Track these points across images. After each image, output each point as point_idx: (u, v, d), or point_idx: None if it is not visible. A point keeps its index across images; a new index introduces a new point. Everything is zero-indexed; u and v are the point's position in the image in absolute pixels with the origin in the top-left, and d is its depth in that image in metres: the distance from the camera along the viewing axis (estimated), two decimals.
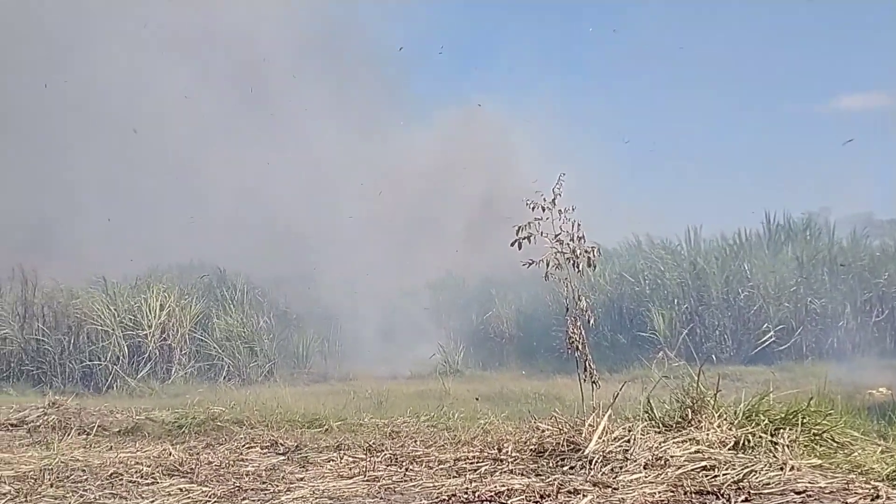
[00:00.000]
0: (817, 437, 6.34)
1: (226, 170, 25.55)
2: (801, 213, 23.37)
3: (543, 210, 7.31)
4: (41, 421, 9.99)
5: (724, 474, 5.57)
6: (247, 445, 7.88)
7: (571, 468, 6.01)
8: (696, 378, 6.69)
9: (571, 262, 7.37)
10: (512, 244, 7.38)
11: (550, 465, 6.18)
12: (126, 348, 19.92)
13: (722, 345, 19.96)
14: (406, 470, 6.40)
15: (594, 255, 7.44)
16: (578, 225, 7.39)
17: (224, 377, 19.89)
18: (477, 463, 6.41)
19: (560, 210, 7.34)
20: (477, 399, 12.87)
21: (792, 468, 5.60)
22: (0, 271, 21.18)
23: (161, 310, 20.27)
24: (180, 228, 24.41)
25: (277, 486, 6.21)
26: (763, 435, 6.24)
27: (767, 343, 19.31)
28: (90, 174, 24.89)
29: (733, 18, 41.48)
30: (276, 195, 25.54)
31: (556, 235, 7.35)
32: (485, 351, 22.67)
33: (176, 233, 24.30)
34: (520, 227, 7.32)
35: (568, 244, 7.36)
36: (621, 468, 5.83)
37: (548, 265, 7.37)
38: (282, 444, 7.81)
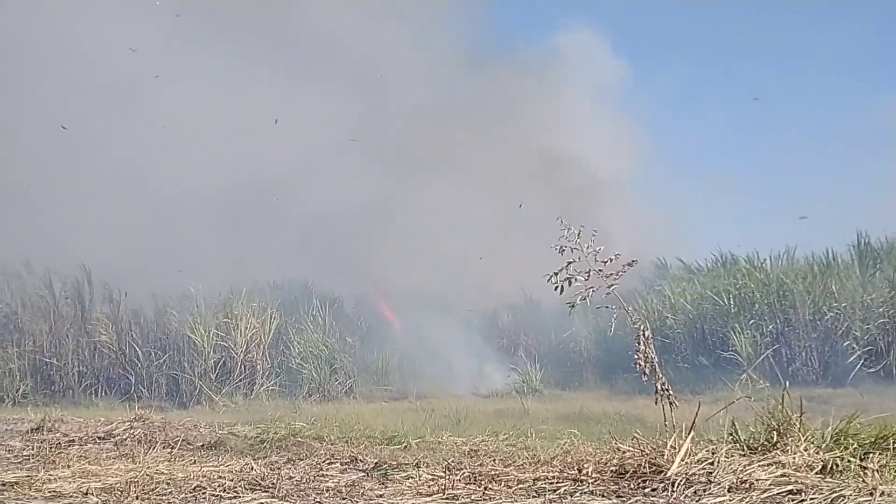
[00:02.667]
0: None
1: (308, 193, 25.90)
2: (893, 232, 22.77)
3: (572, 251, 7.33)
4: (127, 434, 10.20)
5: (811, 499, 5.44)
6: (327, 461, 7.94)
7: (653, 490, 5.92)
8: (781, 400, 6.55)
9: (609, 286, 7.37)
10: (555, 289, 7.41)
11: (632, 486, 6.10)
12: (207, 364, 20.29)
13: (808, 366, 19.51)
14: (485, 489, 6.37)
15: (625, 267, 7.44)
16: (614, 257, 7.38)
17: (305, 393, 20.10)
18: (557, 483, 6.35)
19: (588, 248, 7.33)
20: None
21: (882, 493, 5.44)
22: (91, 283, 21.69)
23: (246, 326, 20.61)
24: (266, 245, 24.82)
25: (357, 502, 6.24)
26: (852, 459, 6.07)
27: (854, 365, 18.80)
28: (180, 190, 25.43)
29: (822, 30, 40.71)
30: (349, 214, 25.82)
31: (588, 271, 7.33)
32: (563, 370, 22.53)
33: (262, 250, 24.69)
34: (554, 274, 7.34)
35: (598, 272, 7.35)
36: (705, 491, 5.72)
37: (584, 299, 7.37)
38: (361, 461, 7.85)
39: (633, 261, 7.58)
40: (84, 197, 24.11)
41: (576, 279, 7.32)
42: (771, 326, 19.89)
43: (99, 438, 10.09)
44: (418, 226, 26.47)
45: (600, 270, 7.33)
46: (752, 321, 19.90)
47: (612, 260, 7.36)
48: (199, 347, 20.38)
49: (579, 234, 7.34)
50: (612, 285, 7.36)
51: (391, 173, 27.69)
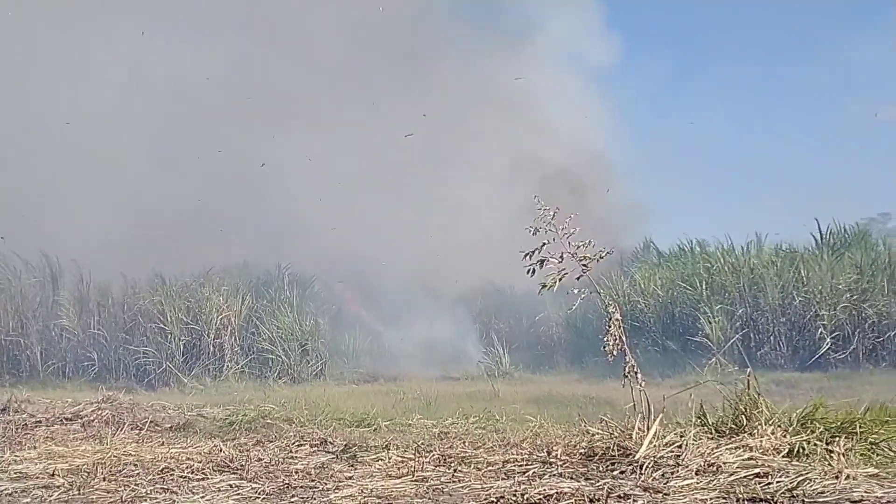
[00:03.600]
0: (874, 446, 6.21)
1: (283, 174, 25.75)
2: (861, 219, 22.97)
3: (546, 233, 7.29)
4: (95, 416, 10.13)
5: (777, 482, 5.47)
6: (296, 443, 7.92)
7: (622, 473, 5.94)
8: (747, 384, 6.59)
9: (582, 270, 7.34)
10: (527, 271, 7.37)
11: (600, 469, 6.12)
12: (181, 345, 20.18)
13: (777, 351, 19.65)
14: (454, 471, 6.38)
15: (600, 253, 7.41)
16: (588, 243, 7.35)
17: (276, 375, 20.04)
18: (526, 465, 6.37)
19: (562, 231, 7.29)
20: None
21: (847, 477, 5.49)
22: (60, 265, 21.48)
23: (216, 308, 20.50)
24: (237, 228, 24.67)
25: (326, 484, 6.22)
26: (818, 443, 6.12)
27: (821, 349, 18.96)
28: (151, 174, 25.24)
29: (789, 22, 40.94)
30: (327, 197, 25.69)
31: (561, 254, 7.30)
32: (535, 354, 22.60)
33: (233, 232, 24.54)
34: (528, 254, 7.30)
35: (573, 255, 7.32)
36: (672, 474, 5.75)
37: (556, 282, 7.33)
38: (331, 443, 7.84)
39: (609, 251, 7.54)
40: (51, 177, 23.84)
41: (549, 261, 7.29)
42: (741, 311, 20.01)
43: (66, 420, 10.01)
44: (393, 209, 26.42)
45: (573, 254, 7.32)
46: (721, 306, 20.01)
47: (585, 245, 7.33)
48: (168, 329, 20.25)
49: (553, 215, 7.31)
50: (584, 271, 7.34)
51: (362, 158, 27.51)
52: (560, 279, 7.31)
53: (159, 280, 21.08)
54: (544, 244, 7.28)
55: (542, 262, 7.30)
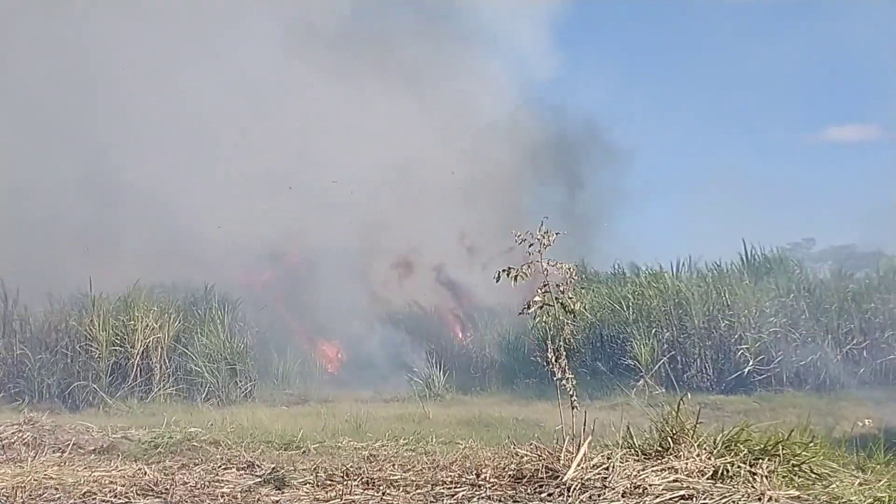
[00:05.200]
0: (796, 468, 6.33)
1: (206, 192, 25.47)
2: (786, 243, 23.50)
3: (535, 250, 7.29)
4: (16, 438, 9.88)
5: (702, 503, 5.55)
6: (223, 466, 7.82)
7: (549, 495, 5.98)
8: (676, 407, 6.68)
9: (559, 302, 7.35)
10: (496, 279, 7.35)
11: (529, 491, 6.15)
12: (107, 366, 19.78)
13: (703, 373, 19.91)
14: (383, 494, 6.35)
15: (577, 296, 7.44)
16: (570, 268, 7.38)
17: (204, 397, 19.74)
18: (455, 488, 6.37)
19: (548, 258, 7.31)
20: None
21: (770, 499, 5.59)
22: None
23: (143, 328, 20.15)
24: (164, 247, 24.33)
25: None
26: (742, 465, 6.23)
27: (746, 372, 19.29)
28: (76, 186, 24.79)
29: (720, 43, 41.85)
30: (258, 218, 25.48)
31: (545, 284, 7.32)
32: (467, 375, 22.61)
33: (160, 251, 24.20)
34: (509, 269, 7.30)
35: (556, 286, 7.35)
36: (599, 496, 5.80)
37: (539, 307, 7.33)
38: (258, 466, 7.76)
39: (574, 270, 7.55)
40: None
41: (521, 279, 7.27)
42: (668, 334, 20.27)
43: None
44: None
45: (547, 284, 7.32)
46: (649, 328, 20.26)
47: (560, 264, 7.34)
48: (92, 350, 19.85)
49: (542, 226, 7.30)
50: (558, 291, 7.33)
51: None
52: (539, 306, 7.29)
53: (85, 299, 20.64)
54: (530, 264, 7.27)
55: (516, 276, 7.28)
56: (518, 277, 7.24)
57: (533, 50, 34.94)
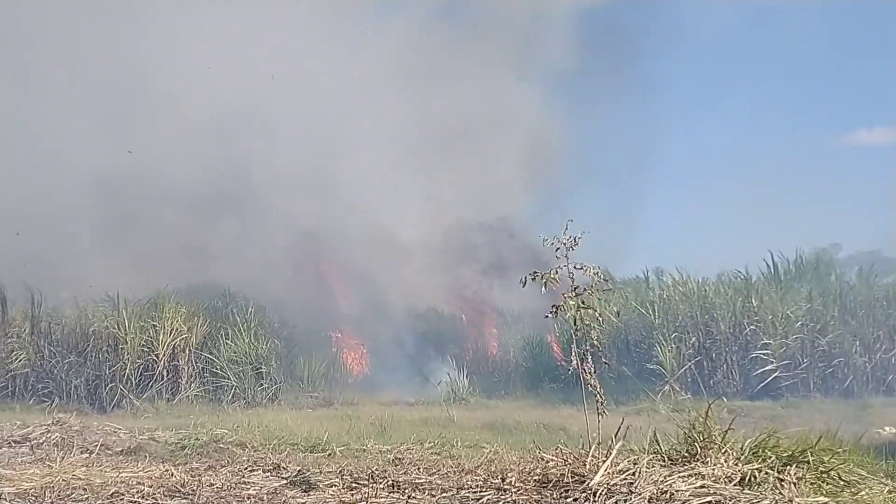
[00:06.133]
0: (824, 475, 6.29)
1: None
2: (812, 248, 23.30)
3: (562, 254, 7.28)
4: (44, 438, 9.99)
5: None
6: (249, 468, 7.85)
7: (575, 500, 5.96)
8: (703, 413, 6.64)
9: (588, 307, 7.34)
10: (530, 283, 7.34)
11: (554, 496, 6.14)
12: (134, 368, 19.91)
13: (729, 379, 19.83)
14: (408, 498, 6.36)
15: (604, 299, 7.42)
16: (597, 272, 7.36)
17: (229, 399, 19.83)
18: (480, 492, 6.37)
19: (574, 263, 7.30)
20: None
21: None
22: (7, 286, 21.11)
23: (170, 330, 20.28)
24: (191, 249, 24.42)
25: None
26: (770, 472, 6.18)
27: (772, 378, 19.18)
28: (102, 190, 24.88)
29: (741, 48, 41.57)
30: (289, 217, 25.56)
31: (574, 288, 7.30)
32: (492, 380, 22.59)
33: (187, 253, 24.29)
34: (537, 273, 7.29)
35: (584, 288, 7.34)
36: (625, 501, 5.78)
37: (567, 311, 7.32)
38: (284, 468, 7.78)
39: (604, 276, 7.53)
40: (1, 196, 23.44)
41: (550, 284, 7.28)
42: (694, 339, 20.19)
43: (14, 442, 9.86)
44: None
45: (576, 289, 7.31)
46: (675, 333, 20.18)
47: (587, 267, 7.33)
48: (121, 351, 19.99)
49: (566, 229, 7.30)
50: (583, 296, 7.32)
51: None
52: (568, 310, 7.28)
53: (114, 301, 20.78)
54: (557, 269, 7.26)
55: (546, 283, 7.28)
56: (547, 283, 7.22)
57: None
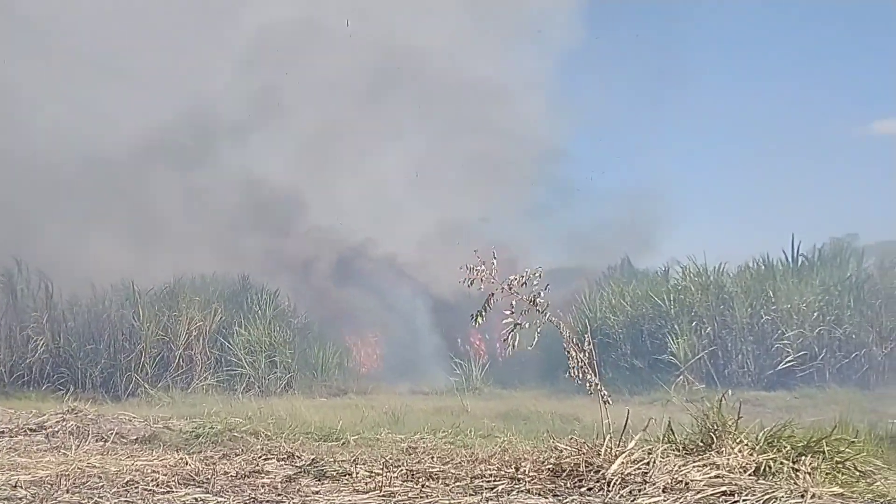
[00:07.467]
0: (839, 466, 6.26)
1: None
2: (829, 237, 23.13)
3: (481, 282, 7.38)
4: (59, 427, 10.03)
5: (744, 500, 5.50)
6: (263, 457, 7.87)
7: (589, 490, 5.95)
8: (716, 403, 6.63)
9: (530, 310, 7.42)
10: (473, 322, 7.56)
11: (568, 485, 6.13)
12: (150, 357, 20.00)
13: (744, 369, 19.75)
14: (422, 487, 6.36)
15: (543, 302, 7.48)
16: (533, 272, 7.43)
17: (244, 388, 19.89)
18: (494, 481, 6.36)
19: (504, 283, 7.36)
20: None
21: (813, 496, 5.53)
22: (21, 274, 21.20)
23: (186, 319, 20.36)
24: (206, 238, 24.50)
25: (293, 498, 6.19)
26: (784, 462, 6.16)
27: (787, 366, 19.10)
28: (117, 181, 24.94)
29: (760, 39, 41.28)
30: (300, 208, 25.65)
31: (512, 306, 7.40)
32: (505, 369, 22.56)
33: (202, 242, 24.37)
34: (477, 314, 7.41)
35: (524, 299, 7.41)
36: (640, 491, 5.77)
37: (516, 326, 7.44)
38: (298, 457, 7.80)
39: (539, 274, 7.57)
40: (18, 183, 23.52)
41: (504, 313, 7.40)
42: (708, 329, 20.11)
43: (30, 430, 9.91)
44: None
45: (516, 293, 7.38)
46: (690, 323, 20.10)
47: (523, 277, 7.40)
48: (136, 340, 20.07)
49: (494, 262, 7.39)
50: (543, 312, 7.39)
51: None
52: (518, 326, 7.39)
53: (129, 290, 20.84)
54: (490, 297, 7.36)
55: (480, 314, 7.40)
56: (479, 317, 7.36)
57: None
